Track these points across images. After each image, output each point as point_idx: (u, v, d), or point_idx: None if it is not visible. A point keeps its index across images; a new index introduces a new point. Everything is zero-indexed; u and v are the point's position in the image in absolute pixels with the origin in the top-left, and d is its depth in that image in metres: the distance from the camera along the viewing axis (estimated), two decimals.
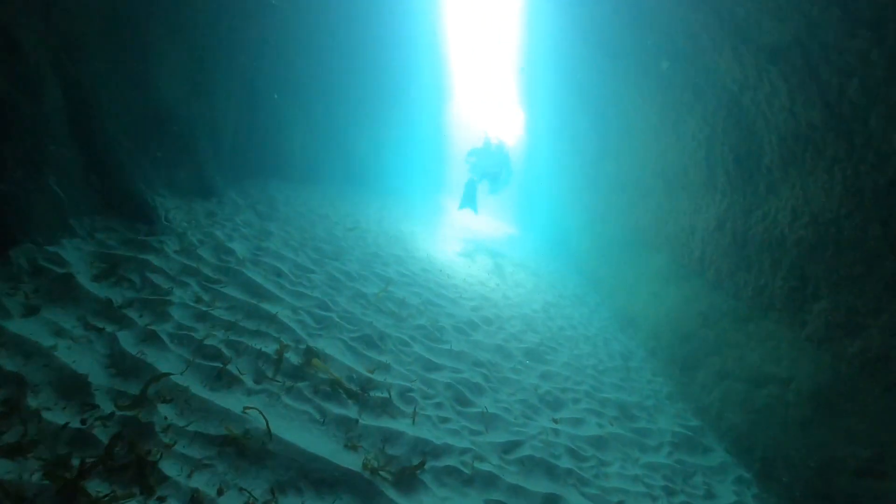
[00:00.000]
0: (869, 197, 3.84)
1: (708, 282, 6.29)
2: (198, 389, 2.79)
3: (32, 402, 2.33)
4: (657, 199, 8.19)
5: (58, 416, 2.32)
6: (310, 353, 3.44)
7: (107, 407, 2.46)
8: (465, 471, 3.02)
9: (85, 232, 4.07)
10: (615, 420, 4.55)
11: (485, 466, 3.13)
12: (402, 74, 15.20)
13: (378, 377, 3.67)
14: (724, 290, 5.87)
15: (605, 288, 9.73)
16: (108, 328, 3.05)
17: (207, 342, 3.23)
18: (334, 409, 3.07)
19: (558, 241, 14.38)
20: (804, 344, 4.58)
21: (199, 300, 3.73)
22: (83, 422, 2.35)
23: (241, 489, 2.33)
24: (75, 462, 2.13)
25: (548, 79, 13.85)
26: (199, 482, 2.29)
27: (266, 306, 3.97)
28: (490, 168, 12.46)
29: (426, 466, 2.90)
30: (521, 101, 18.45)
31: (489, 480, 3.04)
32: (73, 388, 2.52)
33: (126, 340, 2.98)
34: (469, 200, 13.01)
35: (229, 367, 3.08)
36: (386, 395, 3.46)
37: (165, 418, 2.53)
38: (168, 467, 2.29)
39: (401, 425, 3.19)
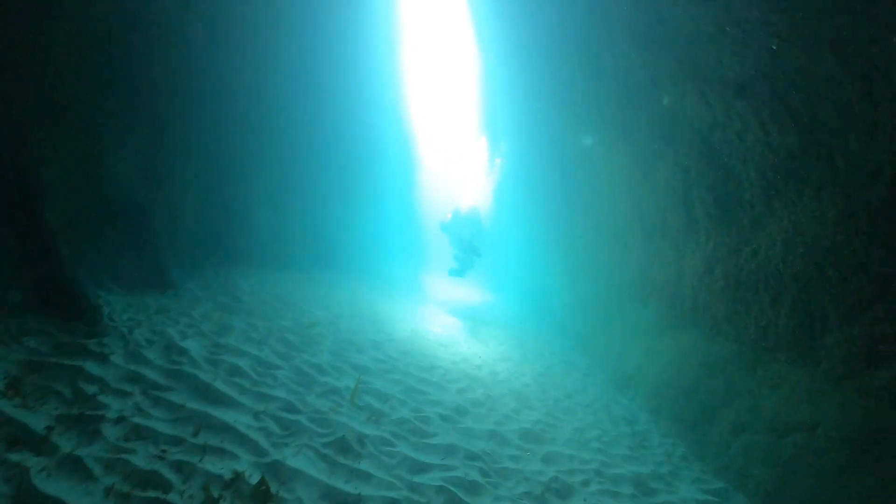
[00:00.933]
0: (864, 219, 3.63)
1: (705, 329, 5.94)
2: None
3: None
4: (637, 250, 7.99)
5: None
6: (263, 490, 2.73)
7: None
8: None
9: (10, 337, 3.55)
10: (633, 499, 4.00)
11: None
12: (367, 146, 15.19)
13: (355, 489, 3.09)
14: (724, 336, 5.52)
15: (595, 348, 9.28)
16: (20, 459, 2.48)
17: (146, 466, 2.65)
18: None
19: (538, 302, 14.02)
20: (822, 383, 4.19)
21: (140, 412, 3.16)
22: None
23: None
24: None
25: (514, 144, 14.08)
26: None
27: (221, 414, 3.40)
28: (465, 234, 12.36)
29: None
30: (488, 165, 18.70)
31: None
32: None
33: (38, 475, 2.40)
34: (463, 266, 13.01)
35: (171, 496, 2.50)
36: None
37: None
38: None
39: None
